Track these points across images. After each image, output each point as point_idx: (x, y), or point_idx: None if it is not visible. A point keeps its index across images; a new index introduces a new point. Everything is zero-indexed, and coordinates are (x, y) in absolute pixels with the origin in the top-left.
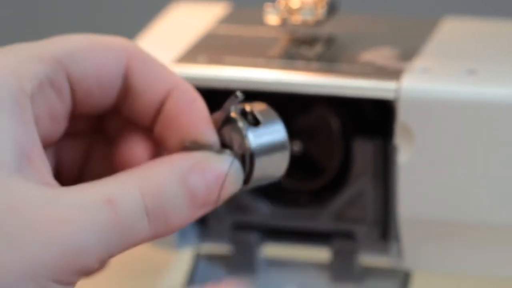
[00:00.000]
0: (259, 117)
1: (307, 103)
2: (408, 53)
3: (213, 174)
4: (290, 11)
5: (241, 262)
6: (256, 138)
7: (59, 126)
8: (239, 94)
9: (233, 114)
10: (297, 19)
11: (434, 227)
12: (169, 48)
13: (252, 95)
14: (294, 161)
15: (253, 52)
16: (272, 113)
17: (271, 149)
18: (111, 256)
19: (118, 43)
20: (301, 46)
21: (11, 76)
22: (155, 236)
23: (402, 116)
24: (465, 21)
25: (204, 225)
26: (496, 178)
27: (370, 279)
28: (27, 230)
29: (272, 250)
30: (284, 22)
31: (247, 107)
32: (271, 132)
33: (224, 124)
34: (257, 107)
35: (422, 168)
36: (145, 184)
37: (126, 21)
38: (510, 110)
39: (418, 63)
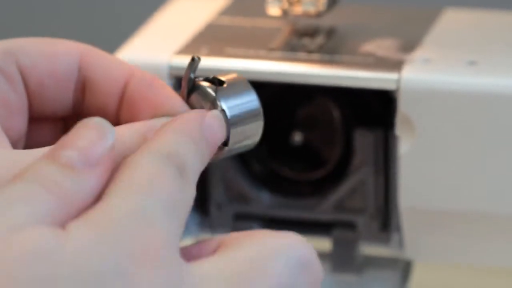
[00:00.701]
0: (227, 81)
1: (308, 94)
2: (409, 44)
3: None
4: (291, 2)
5: None
6: (225, 98)
7: (19, 119)
8: (196, 57)
9: (199, 82)
10: (298, 10)
11: (434, 217)
12: (171, 40)
13: (253, 85)
14: (295, 151)
15: (255, 43)
16: (241, 80)
17: (242, 108)
18: None
19: (69, 41)
20: (302, 37)
21: None
22: None
23: (403, 107)
24: (467, 12)
25: (204, 215)
26: (496, 169)
27: (371, 269)
28: None
29: None
30: (285, 13)
31: (213, 77)
32: (240, 93)
33: (190, 93)
34: (226, 76)
35: (423, 159)
36: None
37: (128, 13)
38: (510, 101)
39: (419, 54)
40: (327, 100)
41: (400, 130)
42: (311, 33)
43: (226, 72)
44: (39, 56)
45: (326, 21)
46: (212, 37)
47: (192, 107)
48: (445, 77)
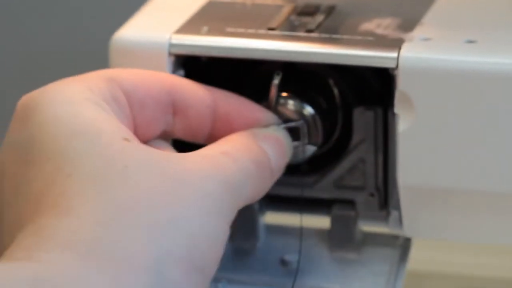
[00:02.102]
0: None
1: (308, 72)
2: (409, 23)
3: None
4: None
5: (243, 230)
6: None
7: None
8: (278, 72)
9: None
10: None
11: (433, 195)
12: (171, 19)
13: (254, 63)
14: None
15: (255, 22)
16: None
17: None
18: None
19: (156, 71)
20: (302, 15)
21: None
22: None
23: (402, 85)
24: None
25: None
26: (494, 147)
27: (370, 247)
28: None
29: (273, 218)
30: None
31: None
32: None
33: (277, 103)
34: None
35: (422, 137)
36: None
37: None
38: (509, 79)
39: (419, 32)
40: (327, 78)
41: (399, 108)
42: (311, 11)
43: None
44: (138, 81)
45: (326, 0)
46: (212, 16)
47: (279, 114)
48: (444, 55)
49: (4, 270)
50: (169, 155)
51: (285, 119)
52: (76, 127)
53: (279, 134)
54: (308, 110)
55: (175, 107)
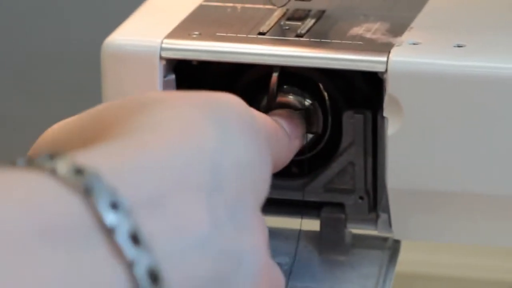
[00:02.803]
0: None
1: (298, 76)
2: (398, 27)
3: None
4: None
5: None
6: None
7: None
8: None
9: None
10: None
11: (422, 197)
12: (162, 24)
13: (245, 67)
14: None
15: (245, 27)
16: None
17: None
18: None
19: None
20: (292, 20)
21: None
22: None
23: (391, 89)
24: None
25: None
26: (483, 150)
27: (359, 249)
28: None
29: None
30: None
31: None
32: None
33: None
34: None
35: (411, 140)
36: None
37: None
38: (498, 83)
39: (408, 37)
40: (316, 82)
41: (388, 112)
42: (301, 16)
43: None
44: None
45: (316, 5)
46: (203, 20)
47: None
48: (433, 59)
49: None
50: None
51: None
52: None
53: (292, 113)
54: (308, 99)
55: None
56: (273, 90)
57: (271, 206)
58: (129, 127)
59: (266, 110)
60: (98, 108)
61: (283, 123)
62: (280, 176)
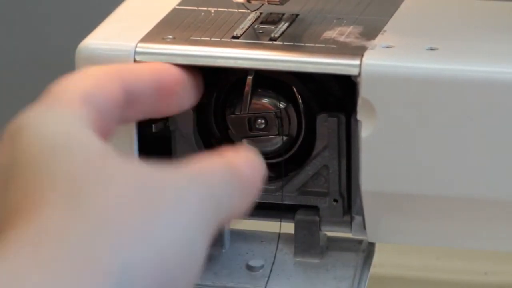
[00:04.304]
0: None
1: (272, 79)
2: (371, 31)
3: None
4: None
5: None
6: None
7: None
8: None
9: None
10: None
11: (395, 200)
12: (136, 28)
13: (219, 71)
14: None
15: (219, 30)
16: None
17: None
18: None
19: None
20: (266, 23)
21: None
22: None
23: (365, 92)
24: None
25: None
26: (455, 152)
27: (333, 252)
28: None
29: (238, 224)
30: (249, 0)
31: None
32: None
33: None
34: None
35: (384, 143)
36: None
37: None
38: (470, 86)
39: (381, 40)
40: (290, 86)
41: (361, 114)
42: (275, 20)
43: None
44: (99, 89)
45: (289, 9)
46: (177, 24)
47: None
48: (406, 62)
49: None
50: (147, 167)
51: (260, 111)
52: (58, 141)
53: (249, 150)
54: (282, 102)
55: (128, 100)
56: (248, 94)
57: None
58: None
59: (241, 113)
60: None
61: (243, 164)
62: None
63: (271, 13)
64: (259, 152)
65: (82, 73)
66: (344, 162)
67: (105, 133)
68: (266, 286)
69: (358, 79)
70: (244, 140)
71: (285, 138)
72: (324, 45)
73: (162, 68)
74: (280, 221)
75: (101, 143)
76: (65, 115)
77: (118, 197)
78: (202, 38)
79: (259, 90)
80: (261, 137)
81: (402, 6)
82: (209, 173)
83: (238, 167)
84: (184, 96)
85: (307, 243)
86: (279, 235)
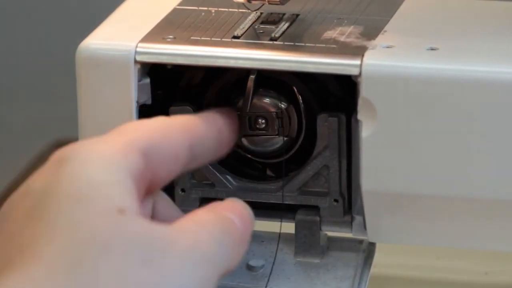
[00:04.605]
0: None
1: (274, 79)
2: (372, 31)
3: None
4: None
5: None
6: None
7: None
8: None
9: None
10: None
11: (396, 200)
12: (137, 28)
13: (219, 71)
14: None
15: (220, 30)
16: None
17: None
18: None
19: (179, 127)
20: (266, 23)
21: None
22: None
23: (365, 92)
24: None
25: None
26: (456, 152)
27: (334, 252)
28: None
29: None
30: (250, 0)
31: None
32: None
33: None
34: None
35: (384, 143)
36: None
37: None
38: (470, 86)
39: (381, 40)
40: (291, 85)
41: (362, 114)
42: (275, 20)
43: None
44: (167, 153)
45: (290, 8)
46: (177, 25)
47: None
48: (406, 62)
49: None
50: (153, 233)
51: (260, 111)
52: (82, 191)
53: (238, 202)
54: (283, 102)
55: (191, 159)
56: (249, 93)
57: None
58: None
59: (242, 112)
60: None
61: (234, 217)
62: (256, 179)
63: (271, 13)
64: (246, 204)
65: (155, 122)
66: (344, 162)
67: (156, 184)
68: (266, 286)
69: (359, 79)
70: (244, 139)
71: (285, 138)
72: (324, 45)
73: (222, 122)
74: (281, 221)
75: (128, 199)
76: (112, 162)
77: (117, 267)
78: (202, 38)
79: (260, 89)
80: (261, 137)
81: (403, 6)
82: (206, 235)
83: (231, 223)
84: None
85: (308, 243)
86: (280, 235)
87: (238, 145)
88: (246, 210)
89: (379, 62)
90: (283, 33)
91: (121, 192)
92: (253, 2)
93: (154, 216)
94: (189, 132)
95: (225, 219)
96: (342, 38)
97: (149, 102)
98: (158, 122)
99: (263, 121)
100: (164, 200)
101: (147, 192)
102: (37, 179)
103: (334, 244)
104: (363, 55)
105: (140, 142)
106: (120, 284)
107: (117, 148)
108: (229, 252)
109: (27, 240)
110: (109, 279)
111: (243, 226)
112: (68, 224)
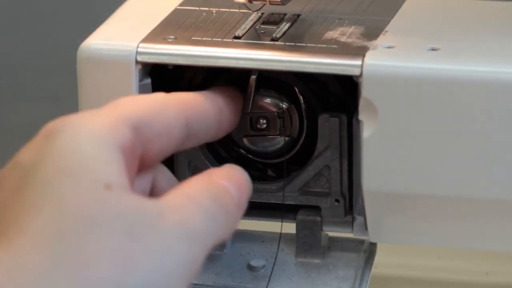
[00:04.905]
0: None
1: (275, 79)
2: (373, 31)
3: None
4: None
5: None
6: None
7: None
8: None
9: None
10: None
11: (397, 200)
12: (138, 28)
13: (220, 71)
14: (270, 120)
15: (221, 31)
16: None
17: None
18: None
19: (176, 103)
20: (267, 24)
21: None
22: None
23: (366, 92)
24: None
25: None
26: (457, 153)
27: (335, 252)
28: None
29: (240, 224)
30: (251, 0)
31: None
32: None
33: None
34: None
35: (385, 143)
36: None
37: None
38: (471, 86)
39: (383, 40)
40: (292, 86)
41: (363, 115)
42: (276, 20)
43: None
44: (160, 129)
45: (291, 9)
46: (178, 25)
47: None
48: (407, 63)
49: None
50: (139, 208)
51: (262, 111)
52: (70, 164)
53: (235, 168)
54: (284, 102)
55: (188, 135)
56: (251, 93)
57: (250, 209)
58: None
59: (243, 112)
60: None
61: (229, 185)
62: (257, 179)
63: (272, 14)
64: (243, 171)
65: (150, 97)
66: (345, 162)
67: (150, 159)
68: (267, 286)
69: (360, 80)
70: (245, 140)
71: (286, 138)
72: (325, 46)
73: (223, 101)
74: (281, 221)
75: (116, 174)
76: (101, 135)
77: (102, 242)
78: (203, 39)
79: (261, 90)
80: (263, 137)
81: (404, 6)
82: (195, 207)
83: (225, 193)
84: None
85: (309, 243)
86: (280, 235)
87: (239, 145)
88: (243, 177)
89: (380, 63)
90: (284, 33)
91: (108, 166)
92: (254, 2)
93: (154, 191)
94: (186, 108)
95: (219, 188)
96: (343, 39)
97: None
98: (153, 97)
99: (265, 121)
100: (164, 175)
101: (142, 167)
102: (26, 152)
103: (335, 244)
104: (364, 56)
105: (132, 116)
106: (106, 259)
107: (107, 122)
108: (222, 224)
109: (14, 213)
110: (95, 254)
111: (239, 194)
112: (55, 197)
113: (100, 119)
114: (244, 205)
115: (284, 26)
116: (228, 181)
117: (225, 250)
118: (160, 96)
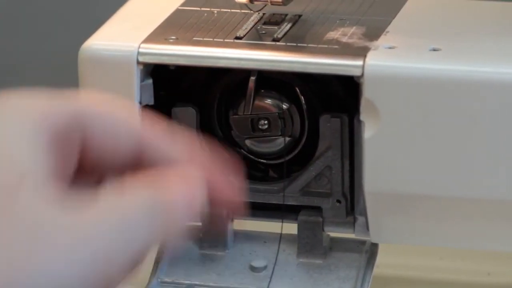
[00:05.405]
0: None
1: (275, 80)
2: (374, 31)
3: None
4: None
5: (212, 237)
6: None
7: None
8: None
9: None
10: None
11: (398, 200)
12: (140, 28)
13: (222, 71)
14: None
15: (222, 31)
16: None
17: None
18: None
19: (129, 110)
20: (268, 24)
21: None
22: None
23: (367, 93)
24: None
25: None
26: (458, 153)
27: (337, 252)
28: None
29: (241, 224)
30: (252, 1)
31: None
32: None
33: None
34: None
35: (387, 144)
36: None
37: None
38: (473, 86)
39: (384, 41)
40: (293, 86)
41: (364, 115)
42: (278, 21)
43: None
44: (104, 128)
45: (292, 9)
46: (179, 25)
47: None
48: (408, 63)
49: None
50: (48, 210)
51: (262, 111)
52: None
53: (192, 172)
54: (285, 102)
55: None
56: (251, 94)
57: (251, 209)
58: None
59: (244, 114)
60: None
61: (176, 190)
62: (259, 180)
63: (274, 14)
64: (201, 169)
65: (115, 101)
66: (347, 162)
67: (94, 157)
68: (268, 286)
69: (361, 80)
70: (247, 141)
71: (288, 138)
72: (327, 46)
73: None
74: (282, 222)
75: (33, 162)
76: (30, 119)
77: (12, 242)
78: (205, 39)
79: (262, 90)
80: (264, 138)
81: (405, 7)
82: (105, 231)
83: (165, 192)
84: None
85: (310, 244)
86: (281, 235)
87: (240, 146)
88: (196, 179)
89: (381, 63)
90: (285, 33)
91: (27, 153)
92: (256, 2)
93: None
94: (145, 134)
95: (160, 194)
96: (344, 39)
97: (151, 103)
98: (122, 104)
99: (266, 122)
100: (156, 152)
101: (91, 166)
102: None
103: (337, 244)
104: (365, 56)
105: (78, 105)
106: (2, 256)
107: (45, 106)
108: (153, 231)
109: None
110: None
111: (183, 198)
112: None
113: (40, 102)
114: (190, 214)
115: (286, 26)
116: (178, 186)
117: (227, 251)
118: (130, 108)
